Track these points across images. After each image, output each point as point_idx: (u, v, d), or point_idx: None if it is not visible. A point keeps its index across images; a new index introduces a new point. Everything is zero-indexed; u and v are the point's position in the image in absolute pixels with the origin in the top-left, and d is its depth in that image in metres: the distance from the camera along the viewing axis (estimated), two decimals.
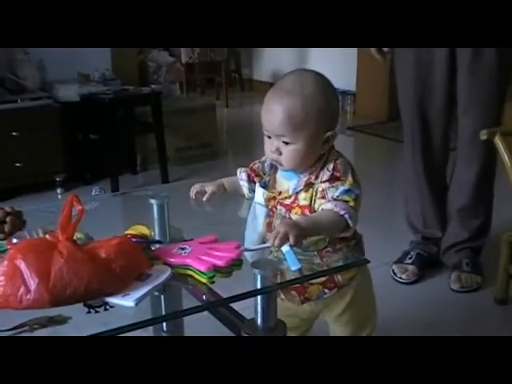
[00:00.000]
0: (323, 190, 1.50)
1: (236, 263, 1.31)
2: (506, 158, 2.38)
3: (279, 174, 1.63)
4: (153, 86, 4.74)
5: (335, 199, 1.47)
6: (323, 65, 6.40)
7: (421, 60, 2.69)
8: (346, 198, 1.47)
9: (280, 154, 1.52)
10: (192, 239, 1.42)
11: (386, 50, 2.75)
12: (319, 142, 1.53)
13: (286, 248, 1.31)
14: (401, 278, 2.87)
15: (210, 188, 1.68)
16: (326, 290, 1.60)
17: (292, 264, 1.30)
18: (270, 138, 1.54)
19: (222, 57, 6.88)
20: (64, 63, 4.33)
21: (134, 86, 4.53)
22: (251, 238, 1.57)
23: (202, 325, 1.61)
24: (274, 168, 1.64)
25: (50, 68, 4.38)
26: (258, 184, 1.64)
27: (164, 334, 1.75)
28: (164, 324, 1.76)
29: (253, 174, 1.68)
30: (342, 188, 1.49)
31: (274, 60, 7.19)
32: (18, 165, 3.97)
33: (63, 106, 4.17)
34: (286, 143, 1.51)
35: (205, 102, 5.61)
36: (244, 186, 1.70)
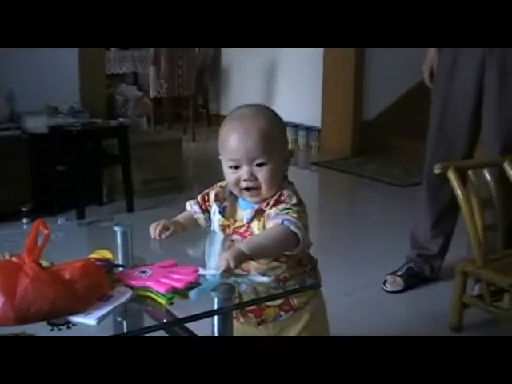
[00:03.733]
0: (269, 215, 1.56)
1: (193, 286, 1.37)
2: (459, 191, 2.48)
3: (237, 203, 1.67)
4: (120, 119, 4.80)
5: (276, 215, 1.53)
6: (289, 101, 6.56)
7: (450, 76, 2.87)
8: (286, 211, 1.53)
9: (256, 178, 1.57)
10: (153, 263, 1.49)
11: None
12: (284, 161, 1.62)
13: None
14: (387, 287, 3.12)
15: (171, 227, 1.67)
16: (282, 313, 1.65)
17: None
18: (236, 168, 1.58)
19: (190, 92, 6.97)
20: (33, 95, 4.36)
21: (101, 119, 4.57)
22: (211, 263, 1.60)
23: None
24: (233, 195, 1.67)
25: (19, 99, 4.40)
26: (217, 209, 1.67)
27: None
28: None
29: (205, 204, 1.73)
30: (283, 206, 1.55)
31: (240, 95, 7.30)
32: None
33: (31, 137, 4.19)
34: (261, 165, 1.56)
35: (171, 136, 5.67)
36: (200, 218, 1.74)
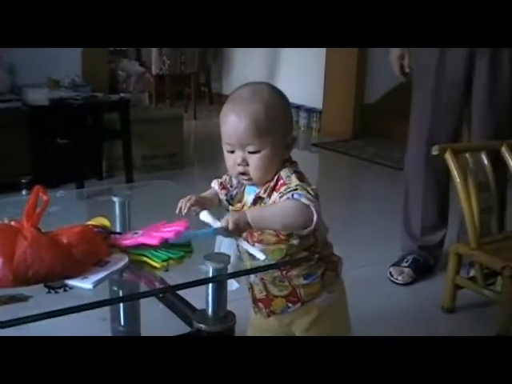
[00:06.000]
0: (276, 201, 1.51)
1: (186, 250, 1.40)
2: (456, 173, 2.50)
3: (245, 188, 1.62)
4: (122, 94, 4.81)
5: (283, 195, 1.48)
6: (291, 82, 6.55)
7: (440, 64, 2.84)
8: (293, 189, 1.47)
9: (247, 164, 1.52)
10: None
11: (407, 70, 2.98)
12: (282, 147, 1.54)
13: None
14: (397, 279, 3.07)
15: (203, 203, 1.62)
16: (290, 305, 1.63)
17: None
18: (232, 152, 1.53)
19: (193, 70, 6.96)
20: (34, 68, 4.37)
21: (103, 93, 4.59)
22: (222, 246, 1.55)
23: (157, 322, 1.69)
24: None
25: (21, 72, 4.41)
26: (224, 198, 1.65)
27: (121, 329, 1.82)
28: (122, 318, 1.82)
29: (221, 186, 1.68)
30: (286, 187, 1.49)
31: (243, 75, 7.30)
32: None
33: (32, 110, 4.20)
34: (253, 152, 1.51)
35: (172, 113, 5.69)
36: (223, 199, 1.69)
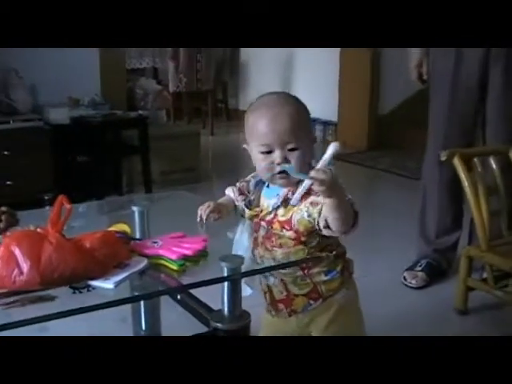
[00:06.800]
0: (312, 203, 1.54)
1: (203, 254, 1.47)
2: (464, 178, 2.56)
3: (262, 193, 1.67)
4: (140, 111, 4.90)
5: None
6: (306, 96, 6.60)
7: (456, 69, 2.91)
8: None
9: (288, 162, 1.54)
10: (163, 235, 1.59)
11: (425, 77, 3.05)
12: (311, 147, 1.61)
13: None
14: (411, 283, 3.12)
15: (220, 210, 1.68)
16: (311, 302, 1.67)
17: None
18: (268, 153, 1.56)
19: (209, 86, 7.06)
20: (55, 88, 4.48)
21: (122, 111, 4.70)
22: (238, 251, 1.61)
23: (176, 324, 1.75)
24: (258, 187, 1.68)
25: (42, 92, 4.52)
26: (242, 203, 1.70)
27: (143, 332, 1.89)
28: (143, 322, 1.89)
29: (239, 192, 1.72)
30: None
31: (259, 90, 7.36)
32: (8, 183, 4.09)
33: (54, 128, 4.28)
34: (292, 150, 1.55)
35: (189, 129, 5.79)
36: (239, 205, 1.73)
